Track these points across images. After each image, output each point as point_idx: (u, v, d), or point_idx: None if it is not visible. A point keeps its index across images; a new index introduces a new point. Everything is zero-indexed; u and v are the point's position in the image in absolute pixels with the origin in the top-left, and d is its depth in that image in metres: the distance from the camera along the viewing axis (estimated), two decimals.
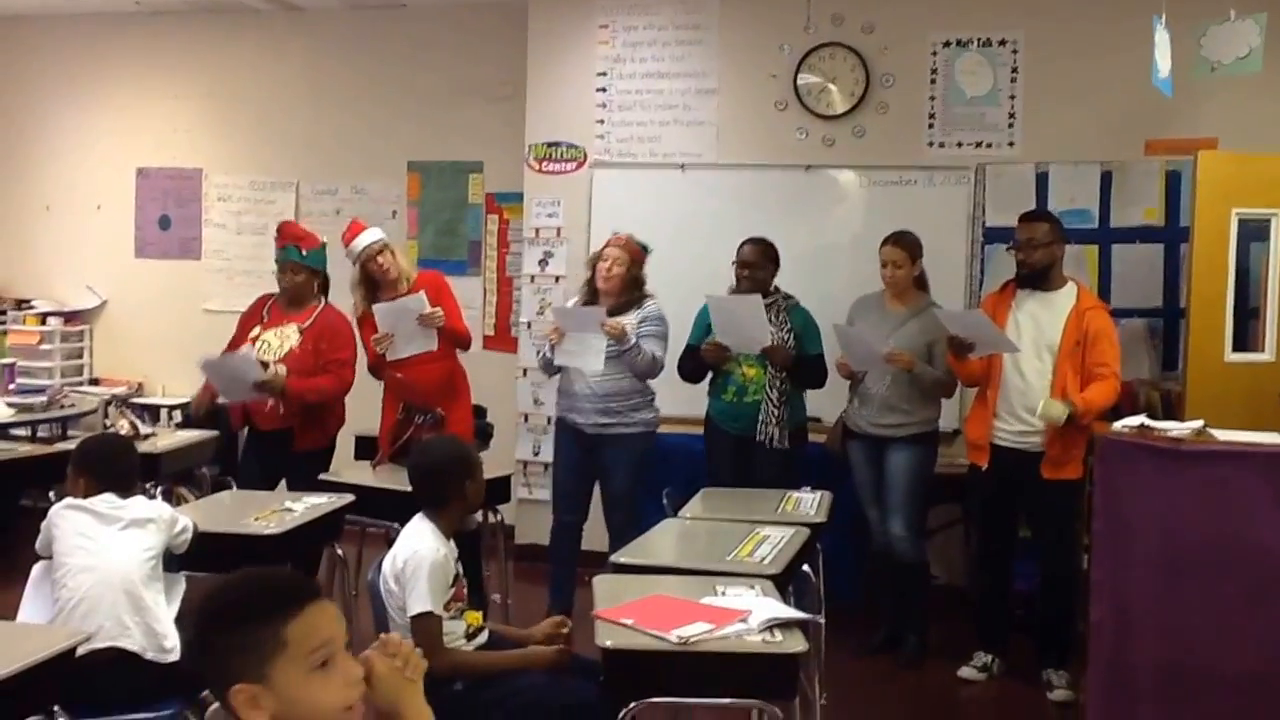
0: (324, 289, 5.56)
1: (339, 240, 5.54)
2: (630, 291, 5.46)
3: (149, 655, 3.42)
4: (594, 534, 5.58)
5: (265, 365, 5.22)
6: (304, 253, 5.45)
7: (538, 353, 5.67)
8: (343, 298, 5.62)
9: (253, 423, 5.49)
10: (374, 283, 5.50)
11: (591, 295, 5.52)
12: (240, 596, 1.89)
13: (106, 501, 3.62)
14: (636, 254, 5.48)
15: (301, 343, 5.36)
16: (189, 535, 3.76)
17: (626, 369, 5.38)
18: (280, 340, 5.37)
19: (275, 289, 5.54)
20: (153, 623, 3.47)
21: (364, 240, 5.46)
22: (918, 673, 5.31)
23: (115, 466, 3.76)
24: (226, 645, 1.83)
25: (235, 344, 5.45)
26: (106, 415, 6.88)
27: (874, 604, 5.68)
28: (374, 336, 5.43)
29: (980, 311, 5.19)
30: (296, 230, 5.61)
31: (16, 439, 6.10)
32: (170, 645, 3.46)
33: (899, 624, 5.51)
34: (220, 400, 5.48)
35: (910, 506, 5.39)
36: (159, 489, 5.62)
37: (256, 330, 5.42)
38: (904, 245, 5.40)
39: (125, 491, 3.69)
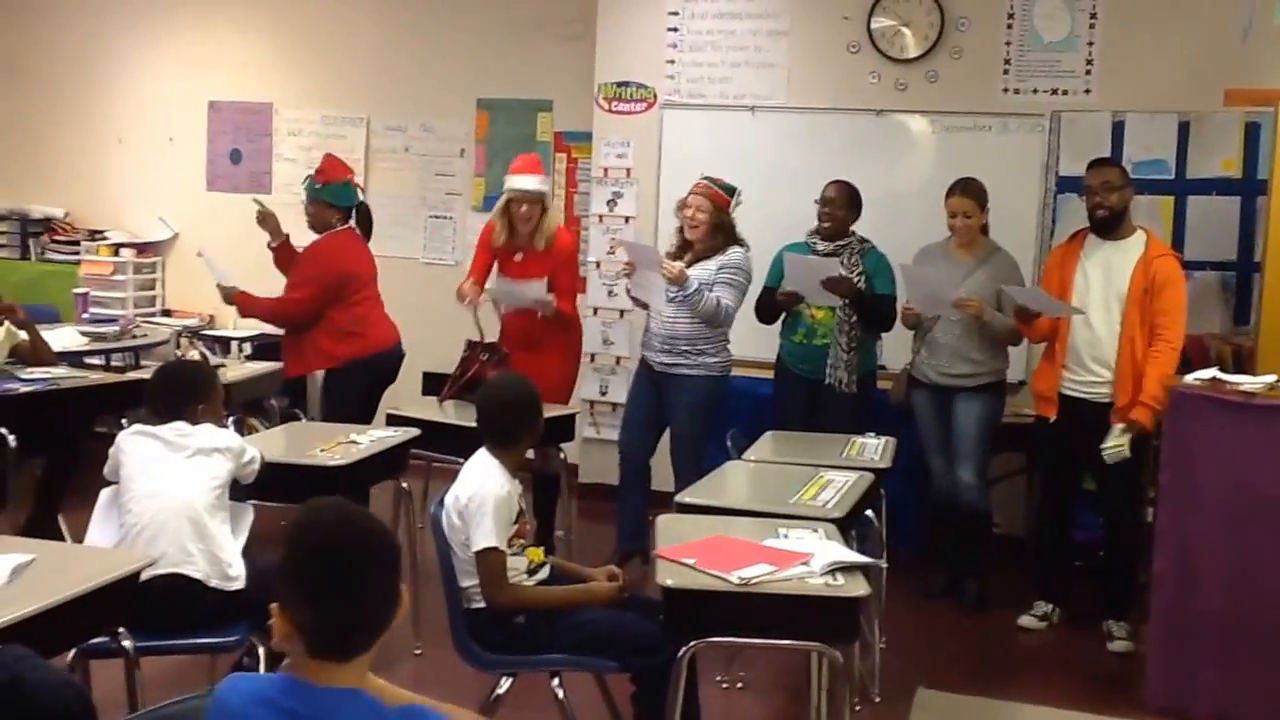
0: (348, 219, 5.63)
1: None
2: (716, 237, 5.41)
3: (213, 583, 3.45)
4: (661, 474, 5.61)
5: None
6: (317, 185, 5.54)
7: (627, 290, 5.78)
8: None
9: None
10: (511, 222, 5.54)
11: (683, 245, 5.49)
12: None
13: (175, 429, 3.63)
14: (719, 199, 5.41)
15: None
16: (257, 465, 3.78)
17: (690, 313, 5.36)
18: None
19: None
20: (216, 551, 3.49)
21: (518, 183, 5.50)
22: (977, 620, 5.31)
23: (182, 393, 3.76)
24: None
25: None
26: (178, 346, 6.98)
27: (935, 550, 5.69)
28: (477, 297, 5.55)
29: (1040, 289, 5.18)
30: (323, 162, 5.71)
31: (90, 367, 6.19)
32: (235, 574, 3.49)
33: (960, 570, 5.52)
34: None
35: (978, 456, 5.40)
36: (230, 419, 5.71)
37: None
38: (972, 194, 5.36)
39: (194, 419, 3.71)
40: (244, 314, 5.68)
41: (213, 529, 3.52)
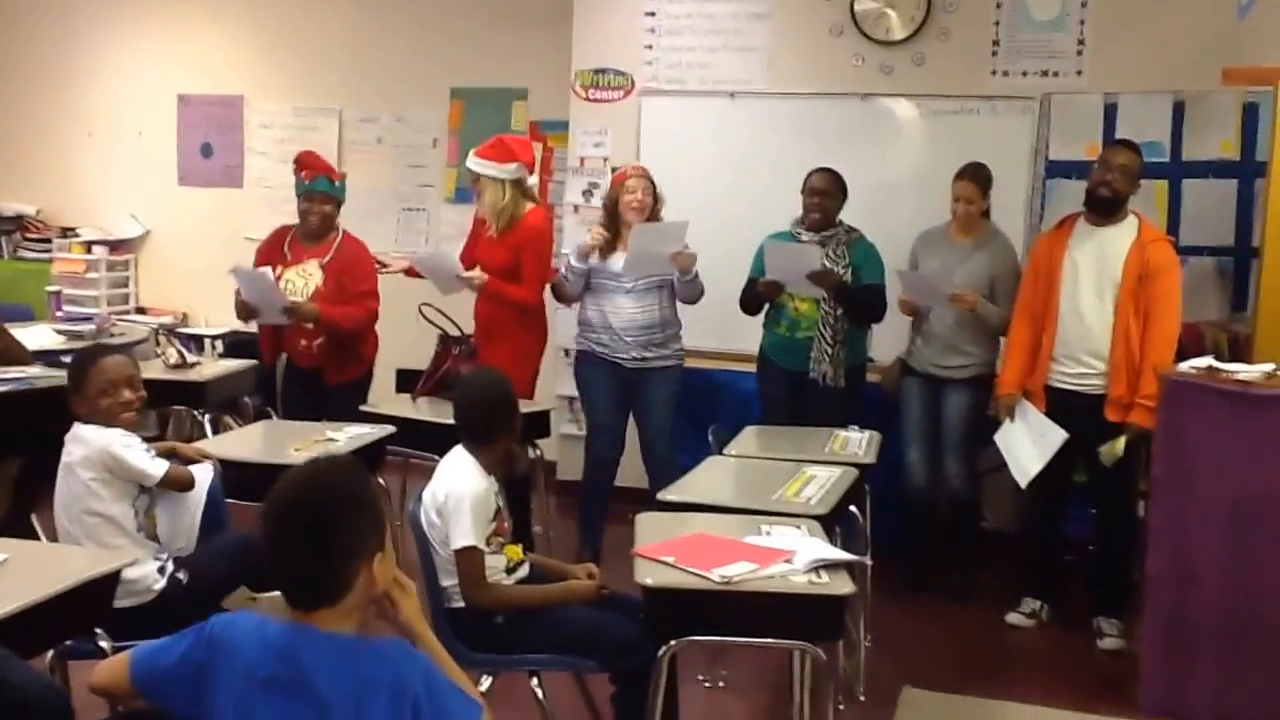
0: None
1: None
2: (656, 219, 5.39)
3: (127, 603, 3.25)
4: (630, 471, 5.49)
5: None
6: (335, 183, 5.43)
7: (567, 272, 5.52)
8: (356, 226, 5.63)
9: (290, 359, 5.54)
10: None
11: (611, 228, 5.40)
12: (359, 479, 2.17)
13: (73, 434, 3.48)
14: (651, 178, 5.42)
15: (325, 280, 5.34)
16: (137, 464, 3.45)
17: (682, 297, 5.37)
18: (304, 279, 5.33)
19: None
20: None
21: (475, 164, 5.37)
22: (964, 617, 5.21)
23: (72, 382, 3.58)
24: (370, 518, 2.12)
25: None
26: (157, 343, 6.85)
27: (908, 543, 5.49)
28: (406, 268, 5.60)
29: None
30: (322, 161, 5.53)
31: (65, 366, 6.06)
32: (144, 586, 3.35)
33: (946, 563, 5.45)
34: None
35: (966, 447, 5.33)
36: (205, 417, 5.62)
37: (279, 269, 5.35)
38: (978, 181, 5.29)
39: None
40: (327, 326, 5.27)
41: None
